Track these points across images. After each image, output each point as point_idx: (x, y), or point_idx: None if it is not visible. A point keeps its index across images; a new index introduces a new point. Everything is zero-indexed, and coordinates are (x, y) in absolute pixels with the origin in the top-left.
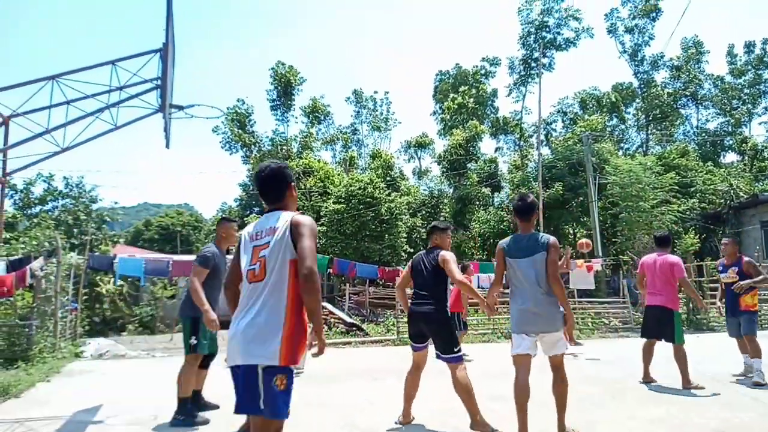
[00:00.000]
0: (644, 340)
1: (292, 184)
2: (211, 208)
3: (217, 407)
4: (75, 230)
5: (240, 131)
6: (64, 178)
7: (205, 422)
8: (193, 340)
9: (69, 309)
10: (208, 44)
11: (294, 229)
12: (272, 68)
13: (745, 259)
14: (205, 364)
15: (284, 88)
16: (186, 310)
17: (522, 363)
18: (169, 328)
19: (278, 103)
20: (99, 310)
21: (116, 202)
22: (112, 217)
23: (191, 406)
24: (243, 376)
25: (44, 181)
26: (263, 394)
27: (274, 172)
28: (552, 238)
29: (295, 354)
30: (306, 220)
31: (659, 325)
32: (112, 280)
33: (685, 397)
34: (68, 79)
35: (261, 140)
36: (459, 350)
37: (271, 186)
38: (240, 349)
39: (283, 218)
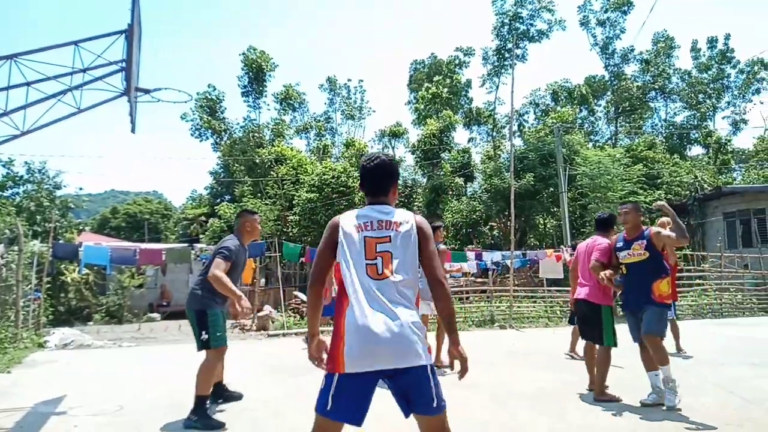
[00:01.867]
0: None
1: (397, 181)
2: (181, 195)
3: (240, 397)
4: (38, 217)
5: (210, 118)
6: (26, 163)
7: (220, 426)
8: (204, 336)
9: (31, 298)
10: (178, 30)
11: (420, 231)
12: (243, 53)
13: (653, 230)
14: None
15: (256, 73)
16: (191, 303)
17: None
18: (137, 317)
19: (250, 89)
20: (64, 299)
21: (81, 189)
22: (77, 204)
23: (210, 404)
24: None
25: (3, 166)
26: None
27: (385, 163)
28: (441, 247)
29: None
30: (427, 223)
31: (584, 323)
32: (78, 268)
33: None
34: (28, 59)
35: (232, 127)
36: None
37: (380, 177)
38: (403, 349)
39: (404, 215)
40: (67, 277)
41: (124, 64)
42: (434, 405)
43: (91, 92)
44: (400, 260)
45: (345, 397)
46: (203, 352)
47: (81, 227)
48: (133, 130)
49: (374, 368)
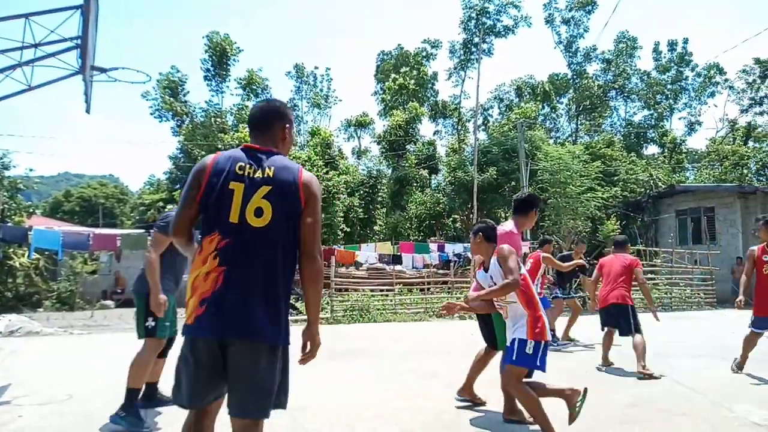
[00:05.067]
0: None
1: (288, 126)
2: (138, 180)
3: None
4: None
5: (172, 99)
6: None
7: (146, 428)
8: (150, 322)
9: None
10: (140, 9)
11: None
12: (206, 36)
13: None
14: (163, 351)
15: (219, 57)
16: (139, 286)
17: None
18: (90, 304)
19: (213, 73)
20: (11, 284)
21: (32, 170)
22: (27, 185)
23: (142, 402)
24: None
25: None
26: None
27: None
28: None
29: None
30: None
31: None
32: (27, 252)
33: (603, 375)
34: None
35: (193, 111)
36: None
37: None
38: None
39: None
40: (15, 261)
41: (79, 41)
42: None
43: (44, 69)
44: None
45: None
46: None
47: (31, 210)
48: (88, 110)
49: None
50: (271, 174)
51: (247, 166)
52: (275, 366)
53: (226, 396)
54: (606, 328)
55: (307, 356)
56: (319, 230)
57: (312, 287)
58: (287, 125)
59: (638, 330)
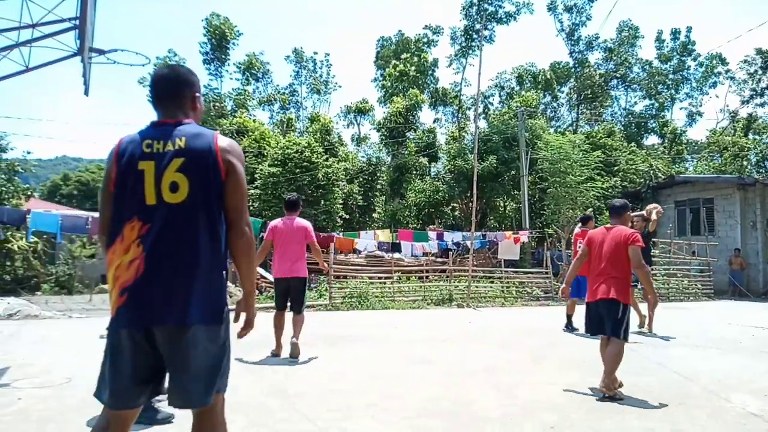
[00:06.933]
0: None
1: (198, 95)
2: None
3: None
4: None
5: None
6: None
7: (168, 418)
8: None
9: None
10: None
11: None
12: (205, 19)
13: None
14: None
15: (218, 41)
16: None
17: None
18: (88, 288)
19: (212, 56)
20: (9, 267)
21: (29, 152)
22: (24, 168)
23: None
24: None
25: None
26: None
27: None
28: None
29: None
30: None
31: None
32: (25, 235)
33: (598, 362)
34: None
35: None
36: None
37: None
38: None
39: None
40: (13, 244)
41: (77, 22)
42: None
43: (41, 50)
44: None
45: None
46: None
47: (29, 193)
48: (86, 93)
49: None
50: (182, 145)
51: (155, 142)
52: (211, 348)
53: (171, 387)
54: (600, 336)
55: (243, 329)
56: (245, 200)
57: (243, 260)
58: (197, 93)
59: (624, 336)
